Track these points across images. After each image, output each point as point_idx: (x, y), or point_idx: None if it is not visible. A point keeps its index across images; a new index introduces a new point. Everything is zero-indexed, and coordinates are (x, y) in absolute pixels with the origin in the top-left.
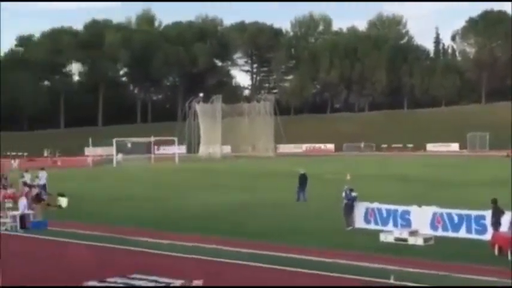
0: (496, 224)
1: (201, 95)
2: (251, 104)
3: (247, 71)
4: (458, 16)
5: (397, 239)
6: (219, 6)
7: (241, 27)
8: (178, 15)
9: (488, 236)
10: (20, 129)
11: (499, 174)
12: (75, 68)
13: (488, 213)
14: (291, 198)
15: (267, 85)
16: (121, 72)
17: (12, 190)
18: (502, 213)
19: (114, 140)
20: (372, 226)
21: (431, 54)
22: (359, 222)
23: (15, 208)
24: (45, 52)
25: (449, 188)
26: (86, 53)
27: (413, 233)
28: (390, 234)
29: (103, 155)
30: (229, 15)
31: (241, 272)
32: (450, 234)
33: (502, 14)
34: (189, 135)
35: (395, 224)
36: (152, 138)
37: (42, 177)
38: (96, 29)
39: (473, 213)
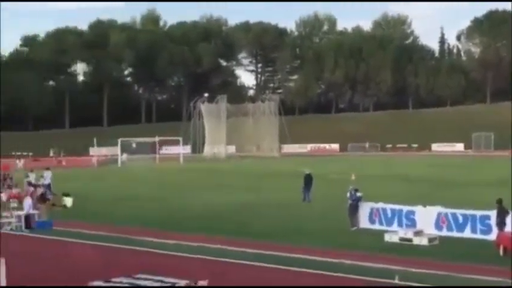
0: (501, 224)
1: (206, 95)
2: (256, 104)
3: (251, 71)
4: (463, 16)
5: (401, 239)
6: (223, 6)
7: (245, 27)
8: (183, 15)
9: (493, 236)
10: (24, 129)
11: (504, 174)
12: (80, 68)
13: (493, 214)
14: (296, 198)
15: (271, 85)
16: (126, 72)
17: (17, 190)
18: (507, 213)
19: (119, 140)
20: (377, 226)
21: (437, 54)
22: (364, 222)
23: (20, 208)
24: (50, 52)
25: (454, 188)
26: (90, 53)
27: (418, 233)
28: (395, 234)
29: (108, 155)
30: (233, 15)
31: (246, 272)
32: (455, 234)
33: (507, 14)
34: (194, 135)
35: (400, 224)
36: (157, 138)
37: (47, 177)
38: (101, 29)
39: (478, 213)
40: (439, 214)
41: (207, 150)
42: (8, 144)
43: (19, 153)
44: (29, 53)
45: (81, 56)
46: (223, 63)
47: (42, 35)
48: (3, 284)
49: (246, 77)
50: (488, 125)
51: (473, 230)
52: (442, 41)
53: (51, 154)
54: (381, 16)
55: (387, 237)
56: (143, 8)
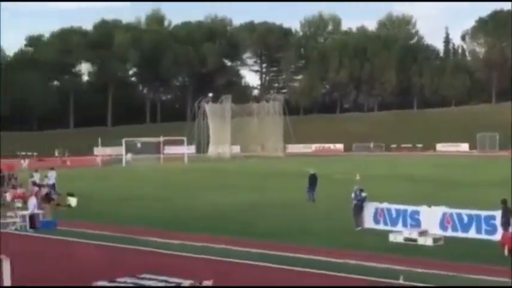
0: (506, 224)
1: (211, 95)
2: (260, 103)
3: (256, 71)
4: (468, 16)
5: (406, 239)
6: (228, 6)
7: (250, 27)
8: (188, 15)
9: (498, 236)
10: (29, 129)
11: (509, 174)
12: (84, 68)
13: (498, 214)
14: (300, 198)
15: (276, 85)
16: (130, 72)
17: (21, 190)
18: None
19: (123, 140)
20: (381, 226)
21: (441, 54)
22: (368, 222)
23: (25, 208)
24: (54, 52)
25: (459, 188)
26: (95, 53)
27: (423, 233)
28: (400, 234)
29: (112, 154)
30: (238, 15)
31: (251, 272)
32: (460, 234)
33: None
34: (199, 135)
35: (404, 224)
36: (161, 138)
37: (52, 177)
38: (106, 29)
39: (483, 213)
40: (443, 214)
41: (212, 150)
42: (12, 144)
43: (24, 153)
44: (33, 53)
45: (86, 56)
46: (228, 63)
47: (46, 35)
48: (8, 283)
49: (251, 77)
50: (493, 125)
51: (478, 230)
52: (447, 41)
53: (57, 154)
54: (385, 16)
55: (392, 238)
56: (148, 8)
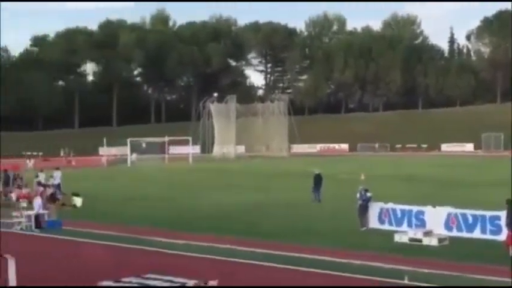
0: (511, 224)
1: (215, 95)
2: (265, 104)
3: (261, 71)
4: (473, 16)
5: (411, 240)
6: (233, 6)
7: (255, 27)
8: (193, 15)
9: (503, 236)
10: (34, 129)
11: None
12: (89, 68)
13: (503, 214)
14: (305, 198)
15: (281, 85)
16: (135, 72)
17: (27, 190)
18: None
19: (128, 140)
20: (386, 226)
21: (446, 54)
22: (373, 222)
23: (30, 208)
24: (59, 52)
25: (464, 188)
26: (100, 53)
27: (428, 234)
28: (404, 234)
29: (117, 154)
30: (243, 15)
31: (255, 272)
32: (465, 234)
33: None
34: (203, 135)
35: (409, 225)
36: (166, 138)
37: (57, 176)
38: (111, 29)
39: (488, 213)
40: (448, 214)
41: (217, 150)
42: (18, 144)
43: (29, 153)
44: (38, 53)
45: (91, 56)
46: (233, 63)
47: (52, 35)
48: (14, 283)
49: (256, 77)
50: (498, 125)
51: (483, 231)
52: (452, 41)
53: (62, 154)
54: (390, 16)
55: (397, 238)
56: (153, 8)
